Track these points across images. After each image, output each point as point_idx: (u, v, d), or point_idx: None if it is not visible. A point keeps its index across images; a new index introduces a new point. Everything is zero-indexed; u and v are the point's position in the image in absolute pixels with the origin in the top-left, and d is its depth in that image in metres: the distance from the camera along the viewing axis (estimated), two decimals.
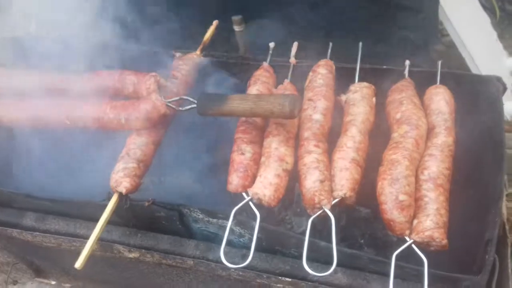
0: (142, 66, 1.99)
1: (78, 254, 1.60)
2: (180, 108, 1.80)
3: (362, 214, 1.82)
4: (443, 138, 1.59)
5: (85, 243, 1.68)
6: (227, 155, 1.76)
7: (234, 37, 2.78)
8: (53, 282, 2.40)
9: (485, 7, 3.50)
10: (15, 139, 1.93)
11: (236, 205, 1.59)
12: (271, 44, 2.11)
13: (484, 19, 3.49)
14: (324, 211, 1.52)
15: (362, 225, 1.85)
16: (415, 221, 1.44)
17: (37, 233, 1.81)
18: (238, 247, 1.63)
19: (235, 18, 2.74)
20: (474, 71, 3.03)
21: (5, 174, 1.96)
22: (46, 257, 2.12)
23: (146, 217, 1.72)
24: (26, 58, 2.03)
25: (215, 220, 1.64)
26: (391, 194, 1.45)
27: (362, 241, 1.81)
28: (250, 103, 1.65)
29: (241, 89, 2.01)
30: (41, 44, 2.08)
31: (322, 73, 1.86)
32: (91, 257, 1.82)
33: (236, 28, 2.79)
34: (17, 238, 1.90)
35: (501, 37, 3.76)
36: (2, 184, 1.89)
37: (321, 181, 1.55)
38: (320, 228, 1.68)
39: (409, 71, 1.90)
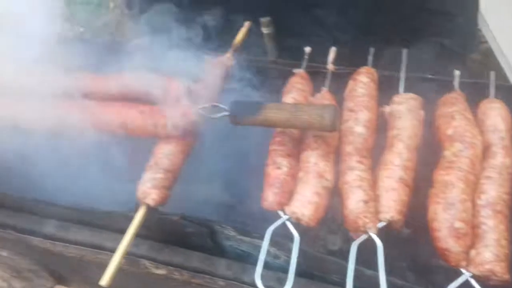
0: (170, 68, 1.85)
1: (101, 265, 1.47)
2: (212, 116, 1.65)
3: (402, 235, 1.64)
4: (501, 159, 1.41)
5: (110, 256, 1.55)
6: (261, 168, 1.62)
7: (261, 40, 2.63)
8: None
9: None
10: (37, 143, 1.80)
11: (270, 222, 1.44)
12: (307, 49, 1.95)
13: None
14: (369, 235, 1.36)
15: (403, 247, 1.68)
16: (473, 252, 1.26)
17: (59, 242, 1.68)
18: (273, 269, 1.48)
19: (264, 19, 2.58)
20: None
21: (28, 180, 1.82)
22: (68, 265, 1.99)
23: (174, 232, 1.58)
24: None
25: (248, 239, 1.49)
26: (446, 220, 1.28)
27: (404, 264, 1.64)
28: (287, 113, 1.50)
29: (275, 96, 1.87)
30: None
31: (363, 81, 1.70)
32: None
33: (265, 30, 2.64)
34: (38, 246, 1.78)
35: None
36: (25, 190, 1.77)
37: (365, 202, 1.39)
38: (360, 251, 1.52)
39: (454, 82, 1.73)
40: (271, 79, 2.06)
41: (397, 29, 2.46)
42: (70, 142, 1.77)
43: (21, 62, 1.89)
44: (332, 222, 1.79)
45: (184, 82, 1.70)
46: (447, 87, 1.77)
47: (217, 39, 2.18)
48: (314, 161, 1.49)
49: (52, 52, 1.85)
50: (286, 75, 1.99)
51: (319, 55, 1.99)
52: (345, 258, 1.44)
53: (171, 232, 1.59)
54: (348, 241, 1.60)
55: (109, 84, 1.77)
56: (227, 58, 1.95)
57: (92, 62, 1.92)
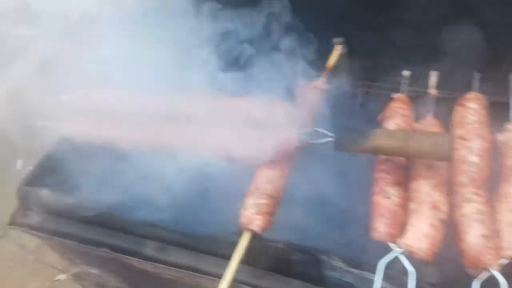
0: (266, 93, 1.87)
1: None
2: (314, 141, 1.65)
3: None
4: None
5: (208, 279, 1.58)
6: (361, 195, 1.60)
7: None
8: None
9: None
10: (139, 165, 1.86)
11: (374, 254, 1.42)
12: (406, 73, 1.93)
13: None
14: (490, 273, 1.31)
15: None
16: None
17: (160, 264, 1.72)
18: None
19: (337, 40, 2.57)
20: None
21: (131, 200, 1.88)
22: (160, 286, 2.03)
23: (277, 259, 1.58)
24: None
25: (357, 271, 1.47)
26: None
27: None
28: (398, 141, 1.48)
29: (369, 121, 1.86)
30: None
31: (473, 108, 1.65)
32: None
33: None
34: (134, 266, 1.82)
35: None
36: (124, 210, 1.83)
37: (486, 237, 1.34)
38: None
39: None
40: (362, 102, 2.05)
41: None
42: (172, 164, 1.82)
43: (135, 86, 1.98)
44: None
45: (285, 106, 1.72)
46: None
47: (293, 62, 2.20)
48: (427, 191, 1.46)
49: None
50: (378, 99, 1.99)
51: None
52: None
53: (274, 259, 1.59)
54: (447, 274, 1.54)
55: (209, 107, 1.80)
56: (322, 82, 1.95)
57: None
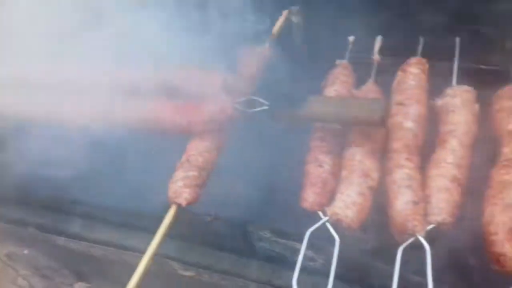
0: (202, 60, 1.87)
1: (126, 264, 1.50)
2: (249, 110, 1.67)
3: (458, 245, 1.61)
4: None
5: (134, 255, 1.60)
6: (299, 165, 1.63)
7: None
8: None
9: None
10: (63, 141, 1.85)
11: (307, 223, 1.45)
12: (350, 38, 1.95)
13: None
14: (416, 239, 1.35)
15: (453, 255, 1.65)
16: None
17: (84, 242, 1.74)
18: (308, 273, 1.47)
19: (293, 8, 2.58)
20: None
21: (55, 179, 1.87)
22: (90, 264, 2.04)
23: (205, 232, 1.61)
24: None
25: (284, 240, 1.51)
26: (504, 224, 1.26)
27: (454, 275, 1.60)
28: (332, 108, 1.51)
29: (315, 89, 1.88)
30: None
31: (414, 73, 1.69)
32: None
33: (294, 19, 2.64)
34: (61, 245, 1.84)
35: None
36: (52, 188, 1.83)
37: (415, 203, 1.38)
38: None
39: None
40: (311, 70, 2.07)
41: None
42: (100, 138, 1.82)
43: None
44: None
45: (221, 75, 1.72)
46: (498, 77, 1.74)
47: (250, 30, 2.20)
48: (360, 158, 1.49)
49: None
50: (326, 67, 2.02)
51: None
52: (377, 258, 1.46)
53: (202, 233, 1.62)
54: (380, 239, 1.58)
55: (139, 78, 1.80)
56: (265, 49, 1.96)
57: None
